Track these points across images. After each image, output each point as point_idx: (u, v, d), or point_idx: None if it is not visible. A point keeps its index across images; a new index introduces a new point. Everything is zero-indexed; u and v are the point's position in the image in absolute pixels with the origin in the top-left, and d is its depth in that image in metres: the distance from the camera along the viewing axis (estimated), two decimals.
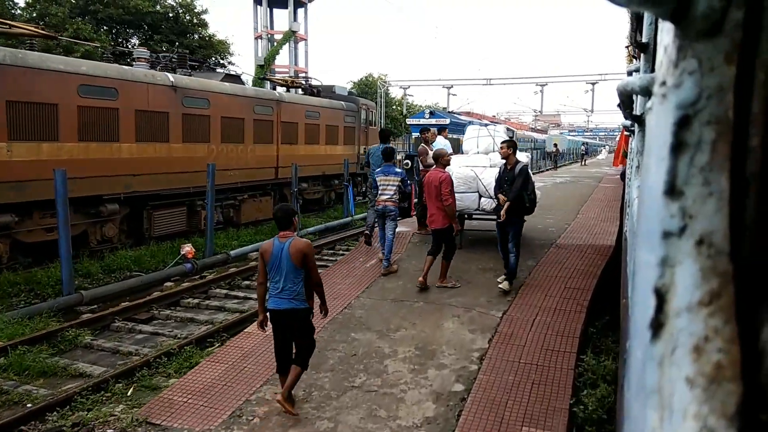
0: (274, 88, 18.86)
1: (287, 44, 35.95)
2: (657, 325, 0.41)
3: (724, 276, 0.37)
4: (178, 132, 11.89)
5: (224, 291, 9.73)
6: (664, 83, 0.44)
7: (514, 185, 6.59)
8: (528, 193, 6.78)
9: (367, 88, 43.36)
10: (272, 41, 36.43)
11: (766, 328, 0.36)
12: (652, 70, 2.68)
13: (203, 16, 29.66)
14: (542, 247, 8.58)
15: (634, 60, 5.20)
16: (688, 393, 0.36)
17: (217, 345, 6.66)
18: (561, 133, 67.25)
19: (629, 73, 4.68)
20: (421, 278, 7.04)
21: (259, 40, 37.22)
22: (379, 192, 7.84)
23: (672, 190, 0.41)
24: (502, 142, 7.00)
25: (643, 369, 0.43)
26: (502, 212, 6.68)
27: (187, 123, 12.17)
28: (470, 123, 27.22)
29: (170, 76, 11.79)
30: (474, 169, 7.98)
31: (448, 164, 7.23)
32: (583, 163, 43.26)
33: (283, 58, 37.37)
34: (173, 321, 8.36)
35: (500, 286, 6.74)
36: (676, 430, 0.36)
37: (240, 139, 13.82)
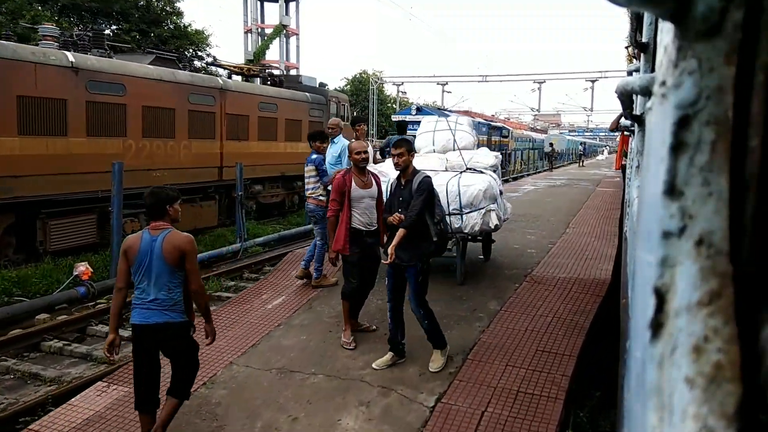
0: (230, 77, 16.50)
1: (278, 39, 35.35)
2: (657, 325, 0.42)
3: (724, 276, 0.38)
4: (80, 123, 9.88)
5: (107, 327, 7.33)
6: (663, 83, 0.45)
7: (411, 208, 4.20)
8: (435, 221, 4.36)
9: (362, 85, 42.52)
10: (263, 36, 35.82)
11: (765, 329, 0.37)
12: (652, 70, 2.55)
13: (177, 4, 28.12)
14: (513, 281, 6.34)
15: (634, 60, 5.05)
16: (687, 393, 0.37)
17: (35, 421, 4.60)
18: (561, 133, 65.19)
19: (629, 73, 4.55)
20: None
21: (249, 34, 36.40)
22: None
23: (672, 191, 0.42)
24: (396, 142, 4.78)
25: (642, 369, 0.44)
26: (390, 248, 4.25)
27: (94, 113, 10.11)
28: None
29: (69, 56, 9.68)
30: None
31: (364, 163, 4.83)
32: (580, 164, 42.17)
33: (273, 53, 36.92)
34: (10, 377, 6.06)
35: (431, 368, 4.34)
36: (675, 430, 0.38)
37: (170, 134, 11.71)
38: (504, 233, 8.22)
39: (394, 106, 44.28)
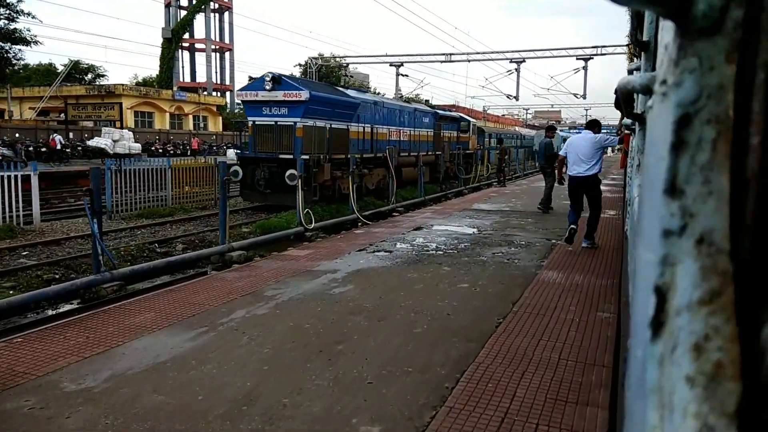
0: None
1: (205, 14, 31.47)
2: (657, 324, 0.43)
3: (725, 275, 0.39)
4: None
5: None
6: (664, 82, 0.46)
7: None
8: None
9: (316, 70, 38.71)
10: (187, 10, 32.50)
11: (766, 327, 0.38)
12: (653, 69, 2.53)
13: None
14: None
15: (635, 58, 5.25)
16: (688, 392, 0.38)
17: None
18: (561, 130, 64.31)
19: (630, 72, 4.76)
20: None
21: (169, 9, 32.51)
22: None
23: (672, 189, 0.43)
24: None
25: (643, 368, 0.45)
26: None
27: None
28: (375, 103, 17.75)
29: None
30: None
31: None
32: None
33: (200, 31, 32.66)
34: None
35: None
36: (676, 428, 0.38)
37: None
38: None
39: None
